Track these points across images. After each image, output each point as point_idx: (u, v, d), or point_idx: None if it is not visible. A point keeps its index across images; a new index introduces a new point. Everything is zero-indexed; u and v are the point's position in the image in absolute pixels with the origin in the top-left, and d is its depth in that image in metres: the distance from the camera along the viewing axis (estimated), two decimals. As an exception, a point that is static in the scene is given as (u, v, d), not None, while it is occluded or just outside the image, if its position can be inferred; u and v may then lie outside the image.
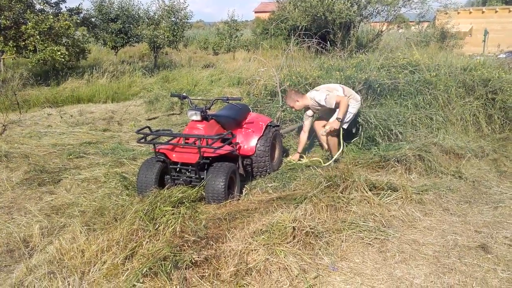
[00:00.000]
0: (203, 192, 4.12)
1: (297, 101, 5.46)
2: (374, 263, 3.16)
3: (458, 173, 4.96)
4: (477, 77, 7.05)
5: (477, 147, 5.72)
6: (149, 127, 4.46)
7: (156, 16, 15.59)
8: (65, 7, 14.12)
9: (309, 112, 5.66)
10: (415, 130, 6.03)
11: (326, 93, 5.34)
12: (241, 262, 2.97)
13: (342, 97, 5.30)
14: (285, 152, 5.76)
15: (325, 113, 5.61)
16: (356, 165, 5.21)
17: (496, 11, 22.90)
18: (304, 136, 5.69)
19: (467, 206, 4.16)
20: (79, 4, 16.12)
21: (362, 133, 5.94)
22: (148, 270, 2.81)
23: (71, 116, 8.56)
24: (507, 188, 4.62)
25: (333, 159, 5.36)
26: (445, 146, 5.48)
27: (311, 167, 5.11)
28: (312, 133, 5.93)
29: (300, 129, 6.13)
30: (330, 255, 3.21)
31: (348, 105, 5.36)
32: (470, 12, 23.59)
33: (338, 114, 5.30)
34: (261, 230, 3.35)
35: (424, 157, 5.09)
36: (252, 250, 3.10)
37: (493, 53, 11.95)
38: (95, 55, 16.76)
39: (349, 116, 5.53)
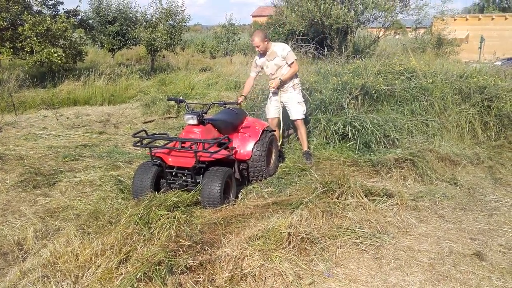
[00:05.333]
0: (198, 197, 4.11)
1: (266, 41, 5.43)
2: (369, 270, 3.16)
3: (453, 180, 4.97)
4: (473, 84, 7.08)
5: (472, 154, 5.74)
6: (145, 131, 4.45)
7: (153, 19, 15.57)
8: (63, 9, 14.10)
9: (256, 70, 5.82)
10: (411, 137, 6.06)
11: (290, 49, 5.52)
12: (236, 268, 2.97)
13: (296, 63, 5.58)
14: (281, 157, 5.77)
15: (273, 77, 5.67)
16: (352, 170, 5.22)
17: (493, 18, 23.08)
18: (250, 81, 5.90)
19: (462, 213, 4.17)
20: (77, 6, 16.06)
21: (359, 138, 5.96)
22: (142, 275, 2.80)
23: (67, 118, 8.54)
24: (502, 196, 4.63)
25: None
26: (441, 153, 5.50)
27: (307, 173, 5.11)
28: None
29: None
30: (325, 261, 3.21)
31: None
32: (467, 19, 23.75)
33: (284, 75, 5.52)
34: (256, 235, 3.35)
35: (416, 162, 5.11)
36: (247, 256, 3.10)
37: (489, 60, 12.00)
38: (92, 58, 16.73)
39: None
